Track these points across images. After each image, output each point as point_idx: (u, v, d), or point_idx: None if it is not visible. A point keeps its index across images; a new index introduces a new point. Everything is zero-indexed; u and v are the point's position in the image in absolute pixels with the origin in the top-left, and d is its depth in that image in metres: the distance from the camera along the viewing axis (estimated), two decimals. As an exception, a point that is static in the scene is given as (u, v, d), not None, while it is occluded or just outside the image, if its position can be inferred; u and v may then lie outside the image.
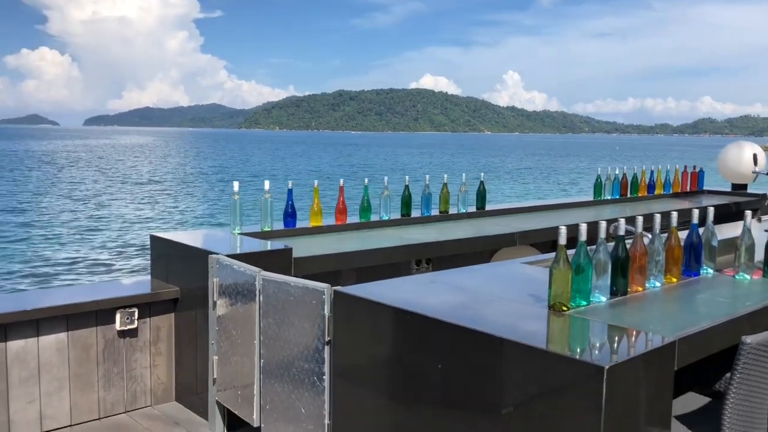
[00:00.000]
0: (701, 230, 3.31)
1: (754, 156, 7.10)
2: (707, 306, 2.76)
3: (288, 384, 3.13)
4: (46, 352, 3.60)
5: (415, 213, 5.39)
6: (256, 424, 3.33)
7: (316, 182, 4.76)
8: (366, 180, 5.06)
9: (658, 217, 3.00)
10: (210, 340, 3.65)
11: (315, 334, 2.97)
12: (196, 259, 3.76)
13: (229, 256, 3.55)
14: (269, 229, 4.46)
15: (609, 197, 7.02)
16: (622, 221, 2.81)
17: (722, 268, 3.34)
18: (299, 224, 4.71)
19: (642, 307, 2.72)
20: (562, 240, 2.56)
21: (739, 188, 8.20)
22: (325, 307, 2.91)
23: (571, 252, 2.60)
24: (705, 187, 8.15)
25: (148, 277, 4.25)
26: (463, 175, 5.64)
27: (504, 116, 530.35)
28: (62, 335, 3.65)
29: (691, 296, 2.92)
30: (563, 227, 2.56)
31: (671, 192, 7.69)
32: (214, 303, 3.59)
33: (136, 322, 3.87)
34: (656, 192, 7.51)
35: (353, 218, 5.02)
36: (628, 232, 2.99)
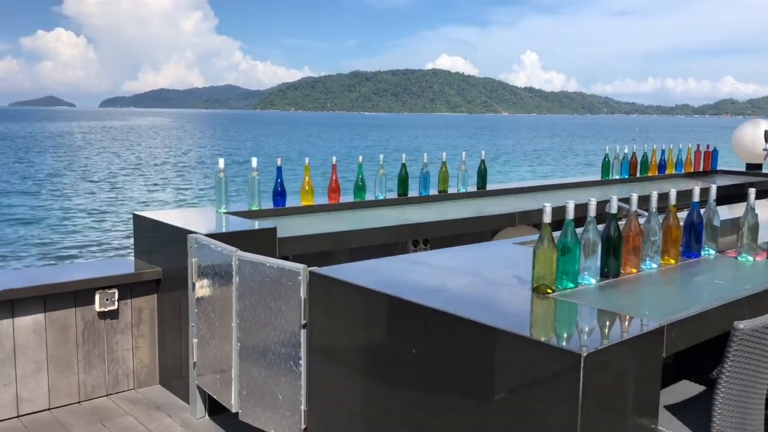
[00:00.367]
0: (703, 210, 3.13)
1: (766, 133, 6.84)
2: (703, 289, 2.58)
3: (265, 368, 3.00)
4: (22, 334, 3.51)
5: (414, 193, 5.24)
6: (234, 410, 3.22)
7: (306, 159, 4.61)
8: (360, 158, 4.90)
9: (654, 195, 2.83)
10: (190, 323, 3.53)
11: (291, 317, 2.84)
12: (178, 238, 3.63)
13: (208, 235, 3.42)
14: (257, 208, 4.33)
15: (618, 177, 6.81)
16: (614, 198, 2.63)
17: (729, 249, 3.16)
18: (291, 204, 4.57)
19: (633, 289, 2.55)
20: (547, 218, 2.40)
21: (753, 168, 7.95)
22: (302, 288, 2.78)
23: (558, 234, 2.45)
24: (719, 167, 7.91)
25: (132, 257, 4.14)
26: (463, 153, 5.47)
27: (521, 97, 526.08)
28: (39, 316, 3.55)
29: (687, 279, 2.74)
30: (548, 205, 2.40)
31: (683, 172, 7.46)
32: (193, 284, 3.47)
33: (116, 303, 3.76)
34: (667, 171, 7.28)
35: (349, 198, 4.88)
36: (623, 211, 2.82)
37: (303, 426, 2.82)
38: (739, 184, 7.02)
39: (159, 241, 3.90)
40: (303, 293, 2.77)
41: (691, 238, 3.07)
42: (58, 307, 3.61)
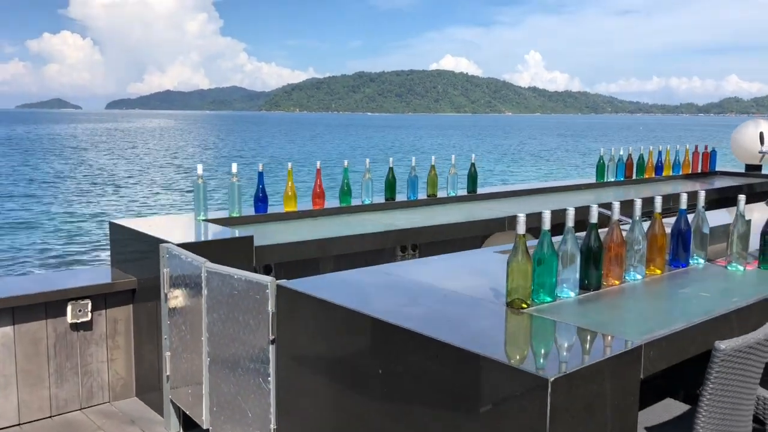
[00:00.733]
0: (692, 217, 3.00)
1: (761, 135, 6.69)
2: (686, 303, 2.45)
3: (234, 384, 2.89)
4: None
5: (402, 197, 5.12)
6: (205, 426, 3.10)
7: (289, 164, 4.50)
8: (346, 162, 4.78)
9: (638, 202, 2.70)
10: (163, 335, 3.42)
11: (260, 331, 2.72)
12: (151, 248, 3.52)
13: (180, 245, 3.31)
14: (237, 215, 4.22)
15: (613, 179, 6.68)
16: (594, 207, 2.51)
17: (721, 257, 3.03)
18: (274, 210, 4.46)
19: (614, 303, 2.43)
20: (521, 229, 2.28)
21: (753, 169, 7.80)
22: (269, 302, 2.66)
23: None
24: (718, 168, 7.77)
25: (109, 267, 4.03)
26: (453, 156, 5.35)
27: (525, 97, 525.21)
28: (8, 329, 3.44)
29: (672, 291, 2.62)
30: (521, 215, 2.28)
31: (681, 173, 7.31)
32: (166, 295, 3.36)
33: (89, 314, 3.65)
34: (664, 173, 7.14)
35: (335, 203, 4.76)
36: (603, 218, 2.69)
37: None
38: (738, 186, 6.88)
39: (134, 250, 3.79)
40: (271, 307, 2.65)
41: (679, 247, 2.94)
42: (28, 319, 3.50)
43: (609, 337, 2.03)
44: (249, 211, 4.35)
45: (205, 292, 2.98)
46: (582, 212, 2.75)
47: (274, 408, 2.69)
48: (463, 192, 5.46)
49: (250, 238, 3.57)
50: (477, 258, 3.21)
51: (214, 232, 3.72)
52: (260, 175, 4.32)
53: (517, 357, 1.90)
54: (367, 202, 4.88)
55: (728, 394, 1.96)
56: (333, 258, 4.18)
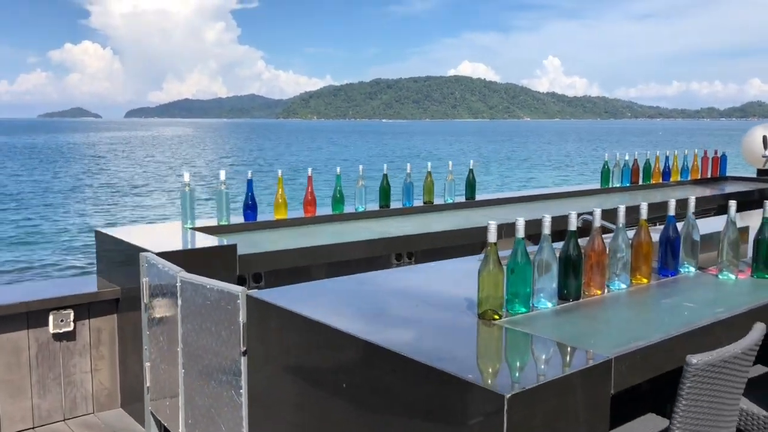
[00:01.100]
0: (681, 224, 2.90)
1: (764, 138, 6.52)
2: (668, 314, 2.35)
3: (208, 397, 2.82)
4: None
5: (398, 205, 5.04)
6: (181, 439, 3.04)
7: (279, 172, 4.44)
8: (338, 169, 4.72)
9: (622, 209, 2.61)
10: (143, 345, 3.37)
11: (231, 342, 2.65)
12: (134, 256, 3.47)
13: (160, 253, 3.25)
14: (226, 223, 4.16)
15: (618, 185, 6.55)
16: (574, 214, 2.42)
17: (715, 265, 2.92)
18: (266, 218, 4.41)
19: (591, 314, 2.33)
20: (492, 237, 2.20)
21: (765, 174, 7.62)
22: (240, 313, 2.59)
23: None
24: (731, 174, 7.61)
25: (95, 276, 3.99)
26: (450, 163, 5.26)
27: (544, 102, 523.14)
28: None
29: (655, 301, 2.52)
30: (492, 223, 2.19)
31: (689, 179, 7.16)
32: (146, 305, 3.31)
33: (72, 324, 3.61)
34: (672, 179, 7.00)
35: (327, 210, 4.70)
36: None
37: None
38: (748, 191, 6.72)
39: (117, 260, 3.75)
40: (242, 318, 2.58)
41: (667, 255, 2.83)
42: (9, 329, 3.46)
43: (577, 351, 1.94)
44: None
45: (179, 302, 2.92)
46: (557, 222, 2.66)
47: (246, 422, 2.62)
48: (461, 199, 5.37)
49: (233, 247, 3.52)
50: (462, 267, 3.12)
51: (196, 240, 3.67)
52: (249, 182, 4.26)
53: (476, 372, 1.81)
54: (361, 209, 4.81)
55: (704, 410, 1.86)
56: (325, 266, 4.11)
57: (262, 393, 2.54)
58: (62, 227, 17.56)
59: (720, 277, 2.81)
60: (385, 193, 4.92)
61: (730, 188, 6.83)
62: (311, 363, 2.29)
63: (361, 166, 4.78)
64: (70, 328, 3.61)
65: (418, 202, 5.15)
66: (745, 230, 3.11)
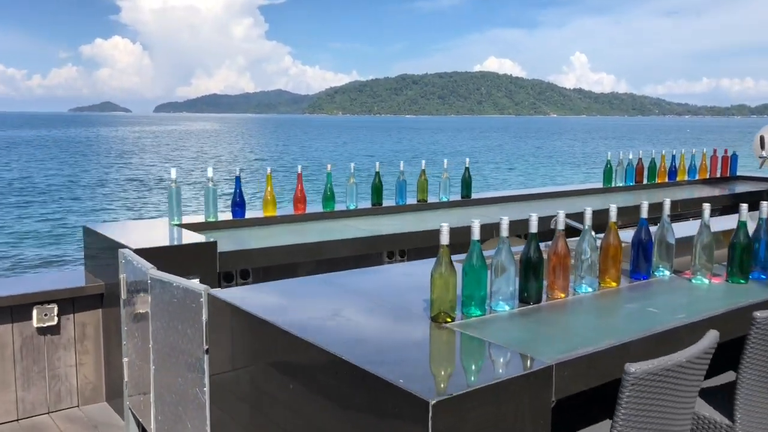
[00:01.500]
0: (655, 227, 2.85)
1: (761, 139, 6.36)
2: (626, 319, 2.31)
3: (176, 394, 2.83)
4: None
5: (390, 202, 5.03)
6: (152, 435, 3.06)
7: (269, 169, 4.44)
8: (329, 166, 4.71)
9: (589, 211, 2.56)
10: (123, 341, 3.39)
11: (196, 341, 2.66)
12: (116, 252, 3.50)
13: (137, 250, 3.28)
14: (213, 220, 4.18)
15: (621, 184, 6.45)
16: (534, 216, 2.38)
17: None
18: (255, 215, 4.42)
19: (548, 318, 2.30)
20: (444, 239, 2.17)
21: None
22: (204, 311, 2.60)
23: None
24: (742, 173, 7.46)
25: (83, 271, 4.03)
26: (445, 161, 5.22)
27: (570, 99, 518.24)
28: None
29: (619, 306, 2.47)
30: (445, 225, 2.17)
31: (696, 178, 7.03)
32: (124, 301, 3.33)
33: (56, 318, 3.65)
34: (678, 178, 6.88)
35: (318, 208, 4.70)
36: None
37: None
38: (758, 192, 6.58)
39: (102, 255, 3.79)
40: (204, 316, 2.59)
41: (639, 258, 2.78)
42: None
43: (520, 356, 1.91)
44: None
45: (149, 298, 2.94)
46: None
47: (209, 420, 2.63)
48: (457, 197, 5.34)
49: (214, 244, 3.53)
50: (427, 268, 3.09)
51: (177, 237, 3.69)
52: (237, 179, 4.28)
53: (410, 376, 1.79)
54: (353, 207, 4.80)
55: (647, 420, 1.82)
56: (315, 264, 4.11)
57: (224, 392, 2.55)
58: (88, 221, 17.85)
59: (693, 281, 2.76)
60: (377, 191, 4.90)
61: (739, 188, 6.70)
62: (263, 363, 2.29)
63: (352, 164, 4.77)
64: (54, 323, 3.65)
65: (412, 201, 5.12)
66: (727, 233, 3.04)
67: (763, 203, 2.75)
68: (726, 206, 6.04)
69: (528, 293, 2.41)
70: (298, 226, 4.40)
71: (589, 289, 2.59)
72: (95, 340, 3.83)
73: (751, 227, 2.78)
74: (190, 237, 3.65)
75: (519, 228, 4.72)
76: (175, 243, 3.54)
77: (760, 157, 6.43)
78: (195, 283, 2.67)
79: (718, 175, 7.24)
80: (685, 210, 5.74)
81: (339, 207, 4.76)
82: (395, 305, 2.43)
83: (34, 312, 3.59)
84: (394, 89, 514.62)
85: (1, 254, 13.42)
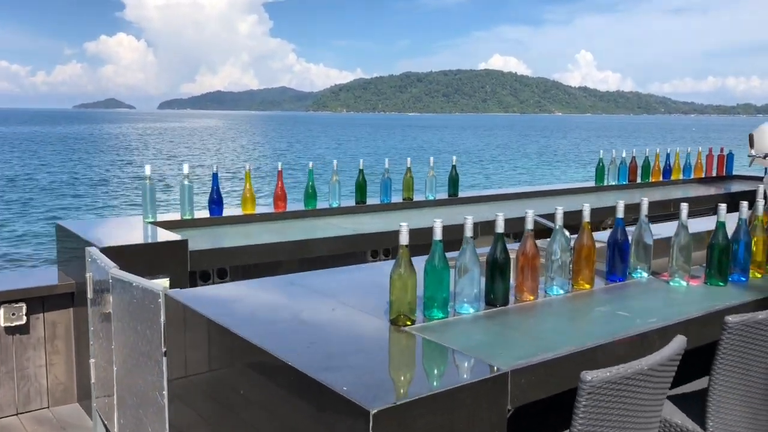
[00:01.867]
0: (632, 228, 2.75)
1: (750, 137, 6.25)
2: (594, 324, 2.21)
3: (137, 397, 2.75)
4: None
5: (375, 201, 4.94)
6: (115, 438, 2.98)
7: (247, 165, 4.36)
8: (311, 164, 4.63)
9: (560, 211, 2.47)
10: (90, 341, 3.32)
11: (154, 342, 2.58)
12: (83, 250, 3.42)
13: (104, 249, 3.19)
14: (189, 218, 4.10)
15: (614, 183, 6.34)
16: (501, 216, 2.29)
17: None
18: (233, 212, 4.34)
19: (513, 322, 2.21)
20: (404, 239, 2.09)
21: (775, 173, 7.34)
22: (162, 312, 2.51)
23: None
24: (738, 172, 7.34)
25: (56, 270, 3.95)
26: (431, 159, 5.13)
27: (576, 97, 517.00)
28: None
29: (589, 309, 2.37)
30: (404, 225, 2.08)
31: (692, 177, 6.92)
32: (91, 300, 3.26)
33: (24, 317, 3.58)
34: (673, 177, 6.77)
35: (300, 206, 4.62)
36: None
37: None
38: (751, 191, 6.46)
39: (72, 253, 3.71)
40: (163, 317, 2.51)
41: (615, 259, 2.69)
42: None
43: (476, 363, 1.82)
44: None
45: (110, 298, 2.86)
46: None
47: (167, 424, 2.55)
48: (444, 196, 5.24)
49: (185, 242, 3.45)
50: None
51: (148, 235, 3.61)
52: (214, 176, 4.20)
53: (356, 383, 1.70)
54: (335, 205, 4.71)
55: (607, 430, 1.73)
56: (296, 262, 4.03)
57: (183, 395, 2.46)
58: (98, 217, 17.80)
59: (671, 283, 2.66)
60: (360, 189, 4.81)
61: (734, 188, 6.59)
62: (217, 367, 2.21)
63: (335, 161, 4.69)
64: (23, 322, 3.57)
65: (399, 199, 5.03)
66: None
67: (743, 203, 2.66)
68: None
69: (494, 295, 2.32)
70: (279, 224, 4.32)
71: (561, 291, 2.50)
72: (66, 339, 3.75)
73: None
74: (161, 235, 3.57)
75: (514, 226, 4.64)
76: (144, 241, 3.45)
77: (749, 156, 6.32)
78: (153, 283, 2.58)
79: (714, 174, 7.13)
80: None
81: (322, 205, 4.67)
82: (358, 307, 2.34)
83: (1, 311, 3.51)
84: (399, 87, 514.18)
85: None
